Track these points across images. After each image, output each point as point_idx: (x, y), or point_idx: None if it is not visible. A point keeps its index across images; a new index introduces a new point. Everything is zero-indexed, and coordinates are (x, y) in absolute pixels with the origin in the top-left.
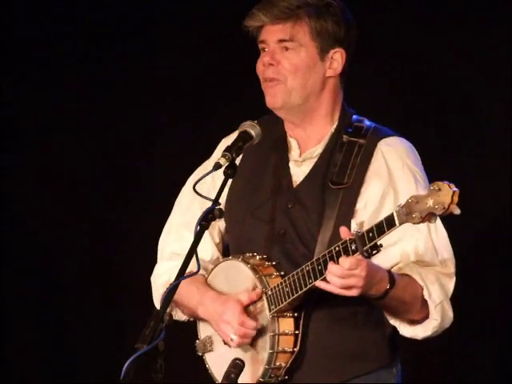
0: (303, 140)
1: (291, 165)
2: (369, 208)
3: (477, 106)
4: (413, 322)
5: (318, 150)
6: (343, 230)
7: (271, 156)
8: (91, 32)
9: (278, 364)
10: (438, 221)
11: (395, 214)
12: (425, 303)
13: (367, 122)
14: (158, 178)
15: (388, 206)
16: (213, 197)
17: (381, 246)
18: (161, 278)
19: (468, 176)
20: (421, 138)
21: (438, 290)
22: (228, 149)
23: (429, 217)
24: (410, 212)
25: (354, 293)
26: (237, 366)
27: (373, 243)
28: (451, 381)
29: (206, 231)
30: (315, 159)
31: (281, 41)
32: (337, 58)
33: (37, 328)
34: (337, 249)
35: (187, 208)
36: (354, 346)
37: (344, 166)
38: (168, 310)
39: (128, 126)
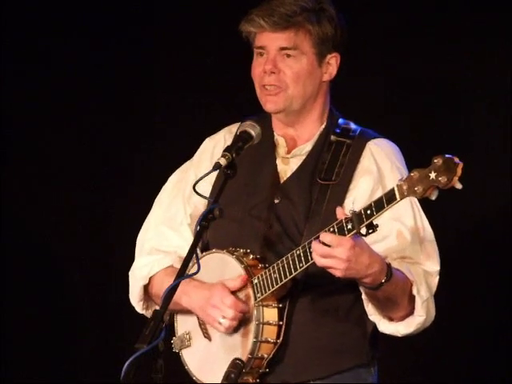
0: (291, 138)
1: (278, 162)
2: (357, 204)
3: (476, 106)
4: (394, 319)
5: (308, 147)
6: (339, 211)
7: (257, 153)
8: (90, 32)
9: (260, 354)
10: (425, 219)
11: (396, 189)
12: (411, 299)
13: (353, 125)
14: (158, 178)
15: None
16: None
17: (377, 226)
18: (141, 271)
19: (467, 175)
20: (419, 137)
21: (425, 287)
22: (228, 149)
23: (431, 190)
24: (411, 186)
25: (336, 274)
26: (237, 366)
27: (370, 220)
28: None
29: (189, 230)
30: (304, 156)
31: (283, 48)
32: (332, 63)
33: (37, 328)
34: (331, 229)
35: (168, 206)
36: (335, 340)
37: (332, 164)
38: (144, 306)
39: (127, 127)
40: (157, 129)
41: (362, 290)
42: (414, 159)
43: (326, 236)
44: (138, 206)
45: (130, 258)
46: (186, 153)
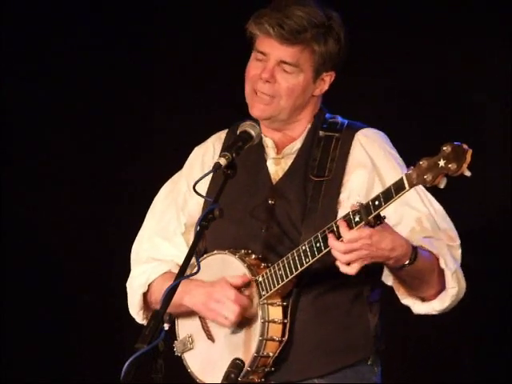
0: (280, 140)
1: (269, 163)
2: (353, 198)
3: (476, 106)
4: (426, 299)
5: (297, 145)
6: (351, 206)
7: (248, 156)
8: (90, 32)
9: (266, 353)
10: (433, 199)
11: (405, 178)
12: (441, 273)
13: (340, 118)
14: (160, 178)
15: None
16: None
17: (384, 217)
18: (138, 280)
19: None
20: (419, 137)
21: (451, 259)
22: (228, 149)
23: (440, 178)
24: (420, 174)
25: (360, 264)
26: (237, 366)
27: (379, 211)
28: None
29: (183, 240)
30: (294, 155)
31: (284, 62)
32: (326, 80)
33: (37, 328)
34: (338, 223)
35: (160, 216)
36: (338, 336)
37: (323, 160)
38: (144, 315)
39: (127, 127)
40: (157, 129)
41: (389, 274)
42: (414, 159)
43: (346, 233)
44: (138, 206)
45: (130, 257)
46: (190, 151)
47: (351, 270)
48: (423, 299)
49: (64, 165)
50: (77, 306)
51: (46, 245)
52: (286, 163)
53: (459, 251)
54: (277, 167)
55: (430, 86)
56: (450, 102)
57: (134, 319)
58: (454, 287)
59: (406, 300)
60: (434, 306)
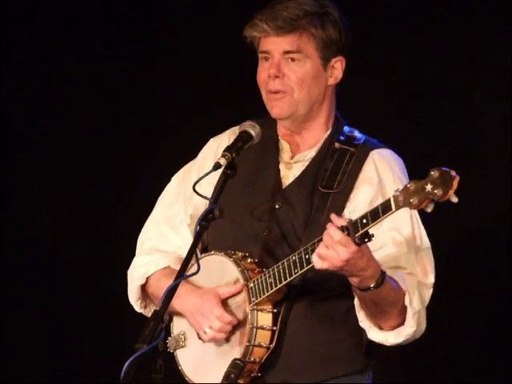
0: (296, 144)
1: (281, 166)
2: (357, 213)
3: (476, 107)
4: (384, 328)
5: (311, 153)
6: (334, 217)
7: (261, 157)
8: (90, 33)
9: (252, 359)
10: (424, 231)
11: (392, 199)
12: (403, 310)
13: (358, 133)
14: (160, 177)
15: None
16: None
17: (372, 235)
18: (138, 271)
19: (467, 175)
20: (419, 137)
21: (417, 299)
22: (228, 149)
23: (427, 202)
24: (407, 197)
25: (324, 265)
26: (237, 366)
27: (365, 229)
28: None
29: (188, 231)
30: (307, 162)
31: (287, 52)
32: (337, 67)
33: (37, 328)
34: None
35: (169, 205)
36: (329, 347)
37: (334, 172)
38: (142, 304)
39: (128, 127)
40: (157, 128)
41: (354, 293)
42: (414, 158)
43: (336, 233)
44: (138, 206)
45: (130, 258)
46: (189, 151)
47: (320, 263)
48: (380, 328)
49: (64, 165)
50: (77, 306)
51: (46, 245)
52: (298, 169)
53: (429, 291)
54: (288, 172)
55: (430, 85)
56: (450, 101)
57: (134, 320)
58: (412, 327)
59: (364, 323)
60: (388, 338)
